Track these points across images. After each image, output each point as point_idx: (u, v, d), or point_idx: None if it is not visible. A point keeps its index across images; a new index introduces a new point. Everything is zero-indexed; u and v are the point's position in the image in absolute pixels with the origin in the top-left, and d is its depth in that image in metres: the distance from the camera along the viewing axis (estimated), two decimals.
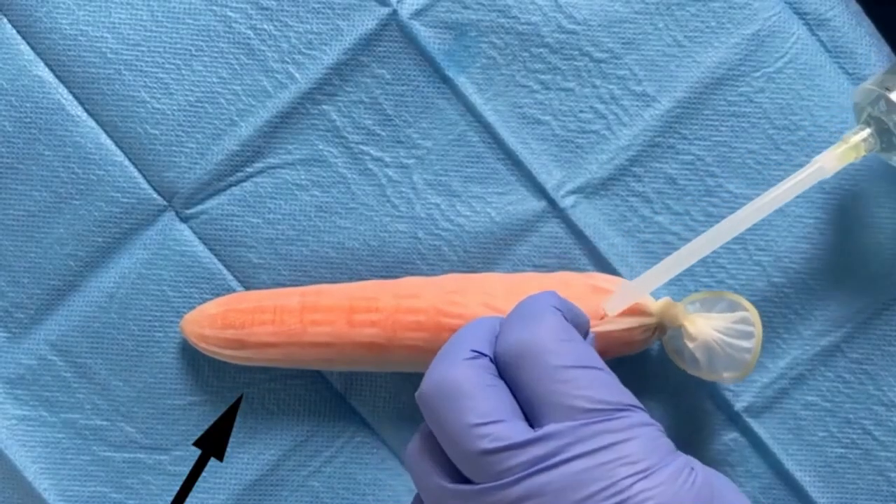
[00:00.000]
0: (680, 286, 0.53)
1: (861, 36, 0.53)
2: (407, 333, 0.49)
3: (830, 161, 0.48)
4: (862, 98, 0.49)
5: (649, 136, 0.53)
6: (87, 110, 0.53)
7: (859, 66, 0.53)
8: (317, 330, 0.50)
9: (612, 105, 0.53)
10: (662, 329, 0.50)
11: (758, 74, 0.53)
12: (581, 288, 0.49)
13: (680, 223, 0.53)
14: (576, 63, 0.53)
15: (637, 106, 0.53)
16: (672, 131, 0.53)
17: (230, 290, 0.53)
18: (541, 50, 0.53)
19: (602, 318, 0.48)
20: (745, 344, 0.48)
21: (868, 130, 0.49)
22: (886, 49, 0.54)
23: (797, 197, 0.52)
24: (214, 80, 0.53)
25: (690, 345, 0.49)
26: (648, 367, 0.52)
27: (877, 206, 0.53)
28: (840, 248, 0.53)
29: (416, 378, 0.52)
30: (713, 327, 0.48)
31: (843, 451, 0.53)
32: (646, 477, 0.38)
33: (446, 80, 0.53)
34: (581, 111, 0.53)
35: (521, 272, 0.53)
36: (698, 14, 0.53)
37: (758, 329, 0.48)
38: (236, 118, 0.53)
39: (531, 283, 0.50)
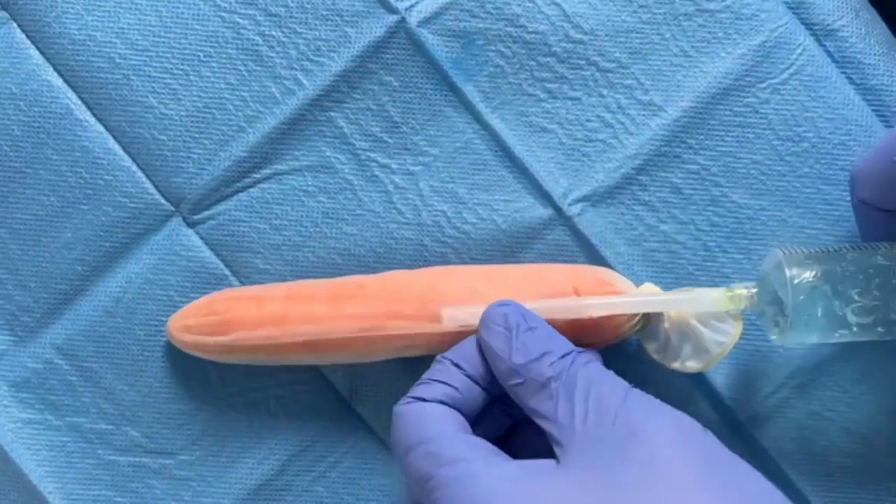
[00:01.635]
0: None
1: (870, 46, 0.53)
2: (392, 319, 0.49)
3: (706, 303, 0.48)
4: (769, 263, 0.49)
5: (655, 145, 0.53)
6: (95, 115, 0.53)
7: (866, 77, 0.53)
8: (299, 310, 0.50)
9: (618, 114, 0.53)
10: (647, 318, 0.50)
11: (763, 85, 0.53)
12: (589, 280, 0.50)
13: (685, 232, 0.53)
14: (583, 72, 0.53)
15: (643, 115, 0.53)
16: (678, 141, 0.53)
17: None
18: (548, 59, 0.53)
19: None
20: (720, 338, 0.48)
21: (755, 290, 0.49)
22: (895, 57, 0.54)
23: (799, 207, 0.53)
24: (223, 85, 0.53)
25: (666, 324, 0.49)
26: (651, 377, 0.52)
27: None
28: None
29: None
30: (694, 314, 0.48)
31: (844, 460, 0.53)
32: None
33: (453, 89, 0.53)
34: (588, 120, 0.53)
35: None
36: (705, 25, 0.53)
37: (737, 329, 0.48)
38: (244, 124, 0.53)
39: (509, 269, 0.51)
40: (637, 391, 0.43)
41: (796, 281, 0.46)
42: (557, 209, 0.53)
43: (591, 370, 0.44)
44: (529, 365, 0.44)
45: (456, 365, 0.46)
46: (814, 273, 0.47)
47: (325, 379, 0.53)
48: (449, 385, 0.46)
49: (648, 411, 0.42)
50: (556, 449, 0.43)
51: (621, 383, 0.44)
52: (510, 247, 0.53)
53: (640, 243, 0.53)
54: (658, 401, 0.43)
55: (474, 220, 0.53)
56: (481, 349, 0.46)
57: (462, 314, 0.48)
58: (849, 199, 0.53)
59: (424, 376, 0.47)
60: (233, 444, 0.53)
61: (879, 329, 0.47)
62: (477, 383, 0.46)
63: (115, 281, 0.53)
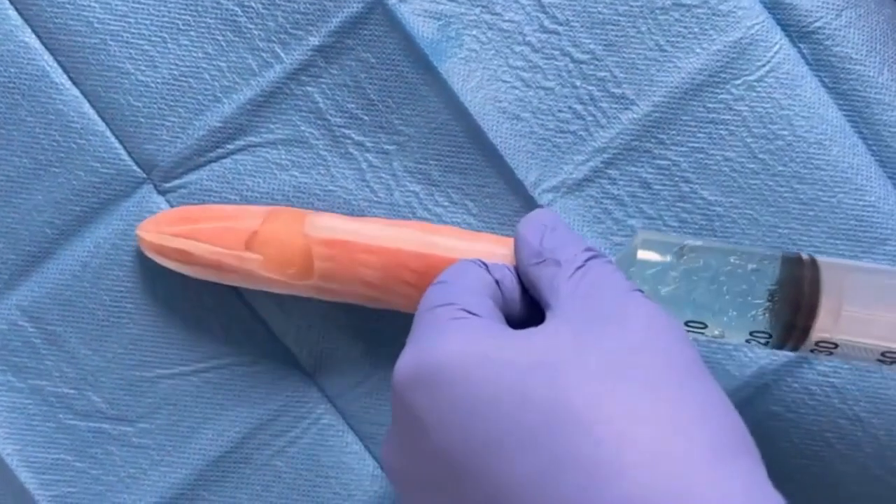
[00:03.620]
0: None
1: (845, 50, 0.53)
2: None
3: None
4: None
5: (626, 139, 0.53)
6: (71, 79, 0.53)
7: (838, 81, 0.54)
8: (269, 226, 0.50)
9: (590, 106, 0.53)
10: None
11: (738, 82, 0.53)
12: None
13: (653, 228, 0.53)
14: (556, 63, 0.53)
15: (615, 108, 0.53)
16: (649, 136, 0.53)
17: None
18: (522, 48, 0.53)
19: None
20: None
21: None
22: (875, 61, 0.54)
23: (771, 206, 0.53)
24: (200, 55, 0.53)
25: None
26: None
27: (854, 218, 0.54)
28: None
29: (383, 361, 0.53)
30: None
31: (805, 462, 0.53)
32: None
33: (430, 68, 0.53)
34: (560, 111, 0.53)
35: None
36: (681, 19, 0.53)
37: None
38: (220, 94, 0.53)
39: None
40: (641, 294, 0.42)
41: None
42: (528, 198, 0.53)
43: (605, 265, 0.43)
44: (554, 248, 0.44)
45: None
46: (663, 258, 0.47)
47: (289, 353, 0.53)
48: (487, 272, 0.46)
49: (642, 306, 0.41)
50: (546, 314, 0.42)
51: (629, 283, 0.42)
52: (480, 231, 0.53)
53: (607, 237, 0.53)
54: (658, 307, 0.41)
55: (446, 203, 0.53)
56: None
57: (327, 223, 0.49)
58: (825, 199, 0.53)
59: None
60: (193, 414, 0.53)
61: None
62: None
63: (84, 245, 0.53)
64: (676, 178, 0.53)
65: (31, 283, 0.53)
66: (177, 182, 0.53)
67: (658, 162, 0.53)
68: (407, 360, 0.40)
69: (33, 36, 0.53)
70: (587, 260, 0.43)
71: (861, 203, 0.53)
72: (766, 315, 0.46)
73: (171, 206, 0.53)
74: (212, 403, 0.53)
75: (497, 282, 0.45)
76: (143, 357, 0.53)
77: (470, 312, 0.41)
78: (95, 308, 0.53)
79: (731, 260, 0.47)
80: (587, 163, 0.53)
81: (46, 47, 0.53)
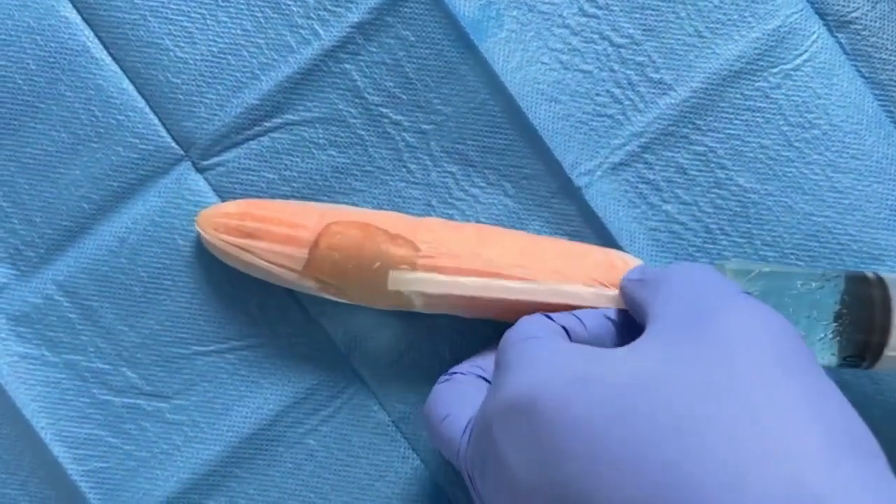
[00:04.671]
0: None
1: (882, 40, 0.54)
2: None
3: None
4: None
5: (663, 124, 0.53)
6: (111, 54, 0.53)
7: (876, 71, 0.54)
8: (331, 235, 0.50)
9: (628, 90, 0.53)
10: None
11: (775, 70, 0.53)
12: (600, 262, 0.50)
13: (687, 213, 0.53)
14: (595, 46, 0.53)
15: (653, 93, 0.53)
16: (686, 121, 0.53)
17: None
18: (562, 30, 0.53)
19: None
20: None
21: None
22: None
23: (806, 194, 0.53)
24: (239, 31, 0.53)
25: None
26: None
27: (888, 208, 0.54)
28: (848, 250, 0.53)
29: (418, 342, 0.53)
30: None
31: None
32: None
33: (470, 47, 0.53)
34: (598, 94, 0.53)
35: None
36: (721, 6, 0.53)
37: None
38: (258, 72, 0.53)
39: (545, 249, 0.51)
40: (743, 294, 0.41)
41: None
42: (566, 179, 0.53)
43: (703, 267, 0.43)
44: (655, 270, 0.45)
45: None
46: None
47: (324, 332, 0.53)
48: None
49: (743, 306, 0.40)
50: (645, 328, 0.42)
51: (730, 284, 0.41)
52: (516, 213, 0.53)
53: (641, 221, 0.53)
54: (761, 304, 0.40)
55: (483, 184, 0.53)
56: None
57: (408, 281, 0.49)
58: (860, 188, 0.53)
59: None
60: (228, 391, 0.53)
61: None
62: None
63: (121, 221, 0.53)
64: (712, 165, 0.53)
65: (68, 258, 0.53)
66: (215, 160, 0.53)
67: (694, 148, 0.53)
68: (503, 395, 0.40)
69: (73, 11, 0.53)
70: (691, 268, 0.43)
71: None
72: (836, 336, 0.46)
73: (210, 184, 0.53)
74: (247, 381, 0.53)
75: (565, 329, 0.45)
76: (179, 334, 0.53)
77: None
78: (132, 284, 0.53)
79: (798, 284, 0.47)
80: (624, 147, 0.53)
81: (87, 22, 0.53)
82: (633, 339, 0.41)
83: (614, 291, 0.48)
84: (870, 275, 0.48)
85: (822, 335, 0.47)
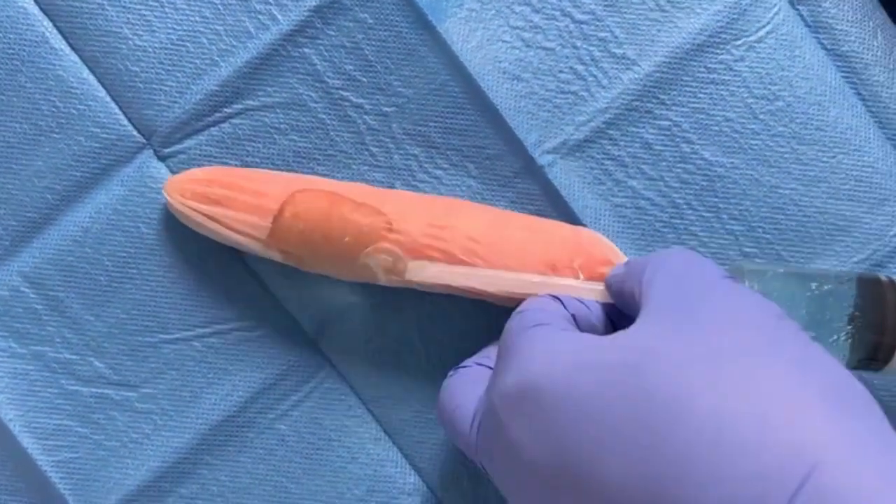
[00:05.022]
0: (651, 252, 0.53)
1: (843, 11, 0.53)
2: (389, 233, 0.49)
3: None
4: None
5: (627, 99, 0.53)
6: (70, 44, 0.53)
7: (837, 42, 0.54)
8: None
9: (591, 67, 0.53)
10: None
11: (739, 43, 0.53)
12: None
13: (654, 189, 0.53)
14: (557, 23, 0.53)
15: (616, 69, 0.53)
16: (650, 96, 0.53)
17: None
18: (522, 8, 0.53)
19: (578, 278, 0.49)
20: None
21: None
22: (870, 25, 0.54)
23: (772, 167, 0.53)
24: (197, 18, 0.53)
25: None
26: None
27: (854, 179, 0.53)
28: (815, 221, 0.53)
29: (386, 324, 0.53)
30: None
31: None
32: None
33: (428, 28, 0.53)
34: (560, 71, 0.53)
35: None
36: None
37: None
38: (217, 58, 0.53)
39: (513, 223, 0.51)
40: (731, 280, 0.41)
41: None
42: (529, 159, 0.53)
43: (690, 253, 0.44)
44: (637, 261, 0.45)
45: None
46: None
47: (291, 317, 0.53)
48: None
49: (731, 290, 0.40)
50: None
51: (718, 270, 0.42)
52: (480, 193, 0.53)
53: (608, 198, 0.53)
54: (749, 290, 0.41)
55: (446, 166, 0.53)
56: None
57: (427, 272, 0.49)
58: (825, 159, 0.53)
59: None
60: (196, 379, 0.53)
61: None
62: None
63: (85, 211, 0.53)
64: (678, 139, 0.53)
65: (33, 249, 0.53)
66: (176, 147, 0.53)
67: (659, 122, 0.53)
68: (508, 382, 0.41)
69: (31, 1, 0.53)
70: (673, 254, 0.43)
71: (860, 164, 0.53)
72: (849, 338, 0.46)
73: (172, 172, 0.53)
74: (214, 368, 0.53)
75: (574, 316, 0.46)
76: (145, 322, 0.53)
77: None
78: (97, 273, 0.53)
79: (813, 286, 0.47)
80: (588, 123, 0.53)
81: (45, 13, 0.53)
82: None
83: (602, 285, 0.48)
84: (883, 278, 0.48)
85: (836, 337, 0.47)
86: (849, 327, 0.47)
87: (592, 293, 0.48)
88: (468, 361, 0.48)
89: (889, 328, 0.47)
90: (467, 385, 0.46)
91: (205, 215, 0.50)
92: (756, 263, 0.50)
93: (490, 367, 0.47)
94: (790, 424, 0.33)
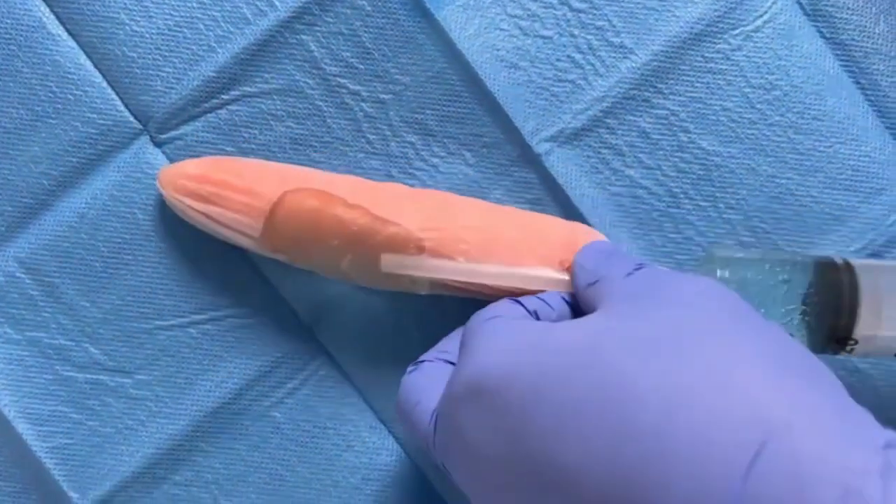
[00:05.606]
0: (648, 241, 0.53)
1: (843, 0, 0.53)
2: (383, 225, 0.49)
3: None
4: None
5: (624, 88, 0.53)
6: (67, 30, 0.53)
7: (836, 31, 0.54)
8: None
9: (589, 55, 0.53)
10: None
11: (736, 32, 0.53)
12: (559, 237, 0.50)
13: (651, 178, 0.53)
14: (555, 11, 0.53)
15: (614, 57, 0.53)
16: (647, 85, 0.53)
17: None
18: None
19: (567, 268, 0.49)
20: None
21: None
22: (872, 11, 0.54)
23: (769, 156, 0.53)
24: (194, 4, 0.53)
25: None
26: None
27: (851, 168, 0.53)
28: (811, 210, 0.53)
29: (382, 312, 0.52)
30: None
31: None
32: None
33: (426, 15, 0.53)
34: (558, 60, 0.53)
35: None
36: None
37: None
38: (214, 44, 0.53)
39: (507, 221, 0.51)
40: (692, 275, 0.42)
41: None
42: (526, 147, 0.53)
43: (655, 269, 0.43)
44: (608, 269, 0.44)
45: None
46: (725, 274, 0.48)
47: (287, 305, 0.53)
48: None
49: (689, 280, 0.41)
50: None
51: (681, 273, 0.42)
52: (477, 182, 0.53)
53: (605, 187, 0.53)
54: (709, 279, 0.41)
55: (443, 154, 0.53)
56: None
57: (399, 263, 0.49)
58: (822, 148, 0.53)
59: None
60: (191, 365, 0.53)
61: None
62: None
63: (81, 197, 0.53)
64: (675, 128, 0.53)
65: (29, 235, 0.53)
66: (173, 133, 0.53)
67: (656, 111, 0.53)
68: (462, 379, 0.40)
69: None
70: (636, 269, 0.43)
71: (857, 153, 0.53)
72: (804, 319, 0.47)
73: (168, 158, 0.53)
74: (209, 355, 0.53)
75: (535, 312, 0.45)
76: (140, 309, 0.53)
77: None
78: (93, 260, 0.53)
79: (766, 268, 0.47)
80: (585, 112, 0.53)
81: None
82: None
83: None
84: (838, 260, 0.48)
85: (789, 319, 0.47)
86: (803, 307, 0.47)
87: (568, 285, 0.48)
88: (428, 355, 0.47)
89: (844, 310, 0.47)
90: (427, 381, 0.46)
91: (197, 212, 0.50)
92: (727, 248, 0.50)
93: (448, 361, 0.46)
94: (748, 393, 0.33)
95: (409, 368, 0.47)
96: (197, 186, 0.50)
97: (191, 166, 0.51)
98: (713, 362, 0.35)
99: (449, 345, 0.47)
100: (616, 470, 0.34)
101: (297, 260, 0.50)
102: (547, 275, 0.48)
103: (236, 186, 0.50)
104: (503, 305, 0.45)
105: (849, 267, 0.48)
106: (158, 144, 0.53)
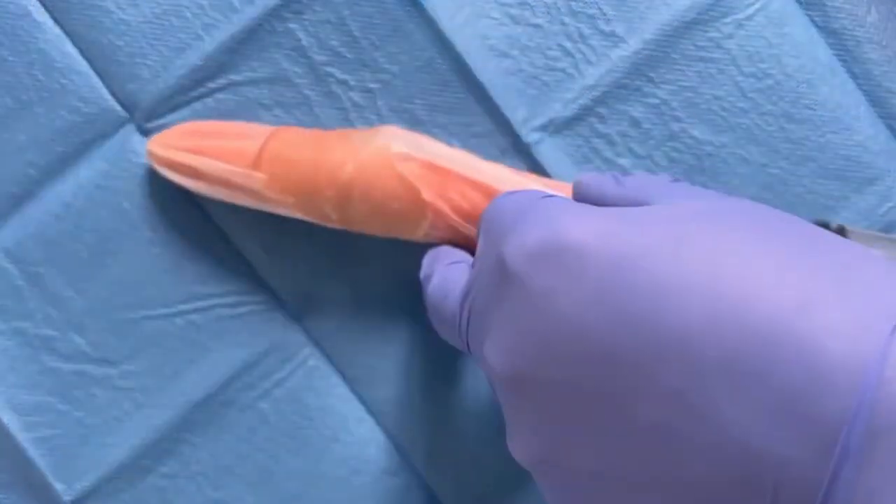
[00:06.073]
0: None
1: None
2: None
3: None
4: None
5: (616, 77, 0.53)
6: (53, 17, 0.52)
7: (829, 19, 0.53)
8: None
9: (579, 44, 0.53)
10: None
11: (728, 20, 0.53)
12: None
13: (642, 167, 0.53)
14: (545, 0, 0.53)
15: (605, 46, 0.53)
16: (639, 73, 0.53)
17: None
18: None
19: None
20: None
21: None
22: (864, 0, 0.53)
23: (761, 145, 0.52)
24: None
25: None
26: None
27: (843, 157, 0.53)
28: (803, 200, 0.53)
29: (371, 304, 0.52)
30: None
31: None
32: None
33: (415, 4, 0.52)
34: (548, 48, 0.53)
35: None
36: None
37: None
38: (201, 32, 0.52)
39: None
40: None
41: None
42: (516, 136, 0.53)
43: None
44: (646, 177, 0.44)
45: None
46: None
47: (274, 295, 0.53)
48: None
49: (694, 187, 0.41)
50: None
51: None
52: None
53: None
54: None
55: None
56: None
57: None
58: (814, 138, 0.53)
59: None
60: (178, 356, 0.53)
61: None
62: None
63: (67, 186, 0.53)
64: (666, 117, 0.53)
65: (14, 224, 0.52)
66: (159, 122, 0.53)
67: (648, 100, 0.53)
68: (530, 241, 0.37)
69: None
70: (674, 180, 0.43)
71: (850, 142, 0.53)
72: None
73: None
74: (196, 345, 0.53)
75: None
76: (126, 298, 0.53)
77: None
78: (79, 249, 0.53)
79: None
80: (576, 101, 0.53)
81: None
82: None
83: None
84: (833, 225, 0.48)
85: None
86: None
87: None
88: (431, 269, 0.46)
89: None
90: (449, 283, 0.44)
91: (189, 167, 0.49)
92: None
93: (459, 262, 0.45)
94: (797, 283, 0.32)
95: (429, 278, 0.46)
96: (188, 142, 0.50)
97: (178, 126, 0.51)
98: (778, 255, 0.34)
99: (451, 255, 0.46)
100: (746, 330, 0.32)
101: (291, 194, 0.49)
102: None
103: (227, 133, 0.50)
104: (539, 190, 0.42)
105: (842, 230, 0.48)
106: (145, 133, 0.53)
